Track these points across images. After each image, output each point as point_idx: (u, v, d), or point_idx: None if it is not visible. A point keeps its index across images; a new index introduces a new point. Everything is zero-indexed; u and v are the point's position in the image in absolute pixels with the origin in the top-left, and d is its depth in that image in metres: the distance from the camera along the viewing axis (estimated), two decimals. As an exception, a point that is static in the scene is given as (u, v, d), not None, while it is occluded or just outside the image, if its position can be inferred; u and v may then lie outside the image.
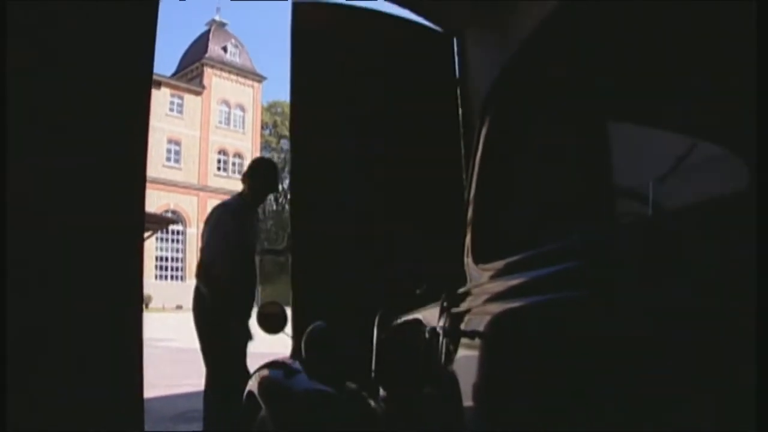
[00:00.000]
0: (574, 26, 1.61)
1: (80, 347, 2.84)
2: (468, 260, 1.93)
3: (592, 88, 1.73)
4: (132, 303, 3.07)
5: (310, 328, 3.39)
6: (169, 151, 48.48)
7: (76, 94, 2.84)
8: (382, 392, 3.11)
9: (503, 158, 1.83)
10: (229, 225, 4.67)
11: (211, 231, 4.68)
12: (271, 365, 3.22)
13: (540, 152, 1.84)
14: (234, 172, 53.95)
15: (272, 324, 3.23)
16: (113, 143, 2.93)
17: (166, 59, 74.87)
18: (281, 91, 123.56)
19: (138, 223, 3.17)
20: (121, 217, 2.97)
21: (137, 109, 3.10)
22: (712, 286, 1.08)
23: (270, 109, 66.26)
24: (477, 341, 1.81)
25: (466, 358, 1.89)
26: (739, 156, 1.74)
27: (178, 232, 49.01)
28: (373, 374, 3.30)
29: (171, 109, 48.85)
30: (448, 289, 2.06)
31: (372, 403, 2.94)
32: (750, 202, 1.00)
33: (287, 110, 66.87)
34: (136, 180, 3.08)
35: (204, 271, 4.56)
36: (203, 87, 52.01)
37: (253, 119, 56.72)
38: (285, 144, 68.65)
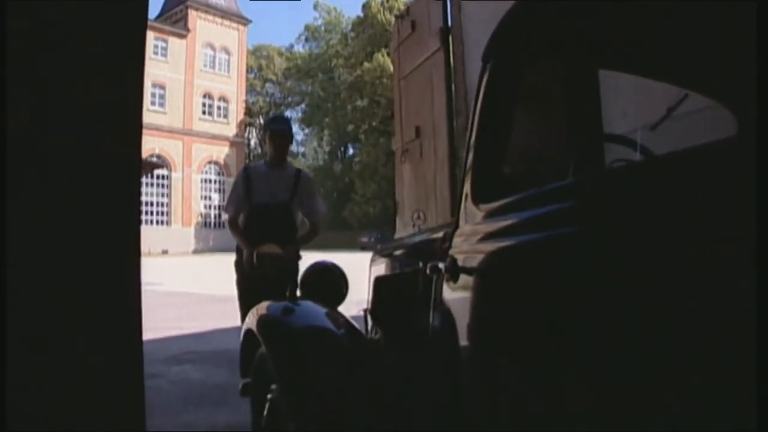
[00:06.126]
0: None
1: (78, 294, 2.87)
2: (467, 202, 2.00)
3: (589, 36, 1.78)
4: (129, 250, 3.10)
5: (308, 266, 3.47)
6: (153, 95, 47.87)
7: (69, 40, 2.84)
8: (378, 327, 3.20)
9: (503, 105, 1.88)
10: (238, 182, 5.09)
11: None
12: (270, 303, 3.28)
13: (538, 98, 1.90)
14: (219, 116, 53.55)
15: (269, 265, 3.30)
16: (109, 91, 2.93)
17: (149, 2, 73.37)
18: (266, 34, 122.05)
19: (135, 170, 3.18)
20: (117, 164, 2.99)
21: (133, 56, 3.09)
22: (702, 226, 1.14)
23: (255, 52, 65.39)
24: (475, 278, 1.88)
25: (464, 294, 1.97)
26: (727, 101, 1.81)
27: (163, 177, 48.73)
28: (369, 310, 3.40)
29: (155, 53, 48.06)
30: (448, 228, 2.13)
31: (368, 337, 3.02)
32: (736, 145, 1.07)
33: (272, 53, 66.39)
34: (132, 127, 3.09)
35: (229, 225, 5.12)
36: (188, 30, 51.11)
37: (238, 63, 56.02)
38: (270, 87, 67.96)
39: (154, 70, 46.57)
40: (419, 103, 7.03)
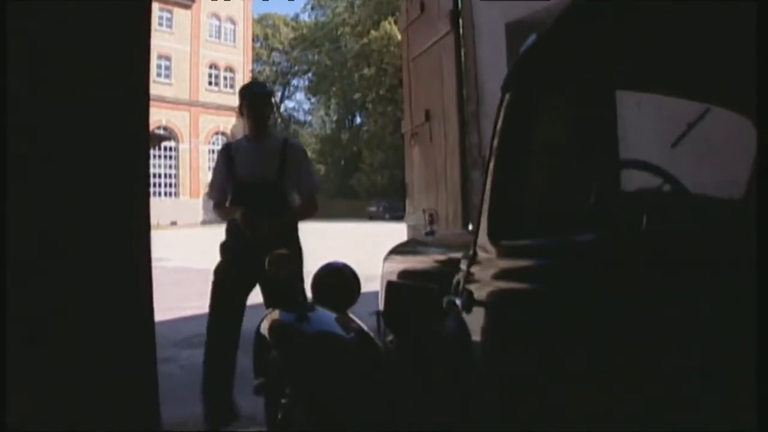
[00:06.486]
0: (590, 12, 1.62)
1: (87, 270, 2.79)
2: (484, 234, 1.97)
3: (607, 62, 1.75)
4: (139, 225, 3.04)
5: (319, 267, 3.45)
6: (159, 66, 47.68)
7: (74, 15, 2.76)
8: (389, 333, 3.20)
9: (522, 137, 1.85)
10: (219, 161, 4.63)
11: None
12: (281, 308, 3.28)
13: (557, 129, 1.87)
14: (226, 86, 53.40)
15: (282, 269, 3.28)
16: (115, 64, 2.87)
17: (153, -30, 72.94)
18: (272, 2, 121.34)
19: (143, 144, 3.13)
20: (125, 138, 2.92)
21: (137, 29, 3.02)
22: (727, 281, 1.13)
23: (261, 21, 65.04)
24: (490, 317, 1.89)
25: (477, 328, 1.99)
26: (749, 113, 1.77)
27: (170, 149, 48.76)
28: (381, 312, 3.39)
29: (160, 24, 47.79)
30: (466, 254, 2.10)
31: (379, 343, 3.01)
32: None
33: (278, 22, 66.09)
34: (140, 100, 3.03)
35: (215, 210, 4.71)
36: (192, 0, 50.88)
37: (243, 32, 55.78)
38: (276, 56, 67.72)
39: (159, 41, 46.32)
40: (429, 85, 6.95)
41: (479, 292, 1.95)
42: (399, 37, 10.08)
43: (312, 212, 4.62)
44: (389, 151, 51.34)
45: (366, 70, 57.85)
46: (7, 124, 2.46)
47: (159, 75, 47.62)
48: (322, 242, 23.59)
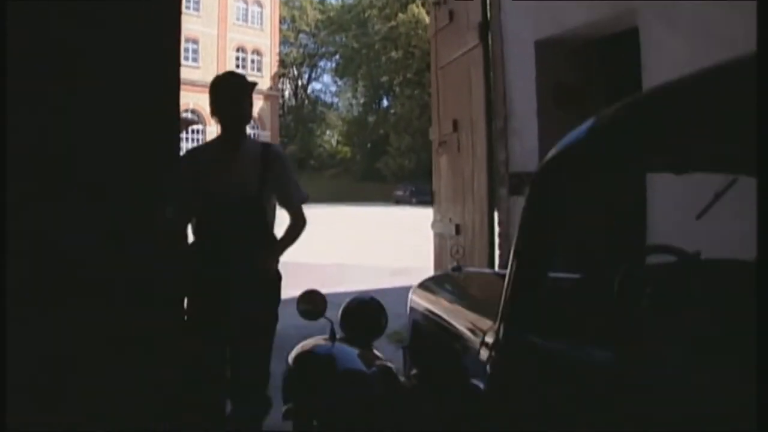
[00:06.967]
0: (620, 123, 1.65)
1: (116, 259, 2.77)
2: (506, 320, 2.01)
3: (640, 168, 1.78)
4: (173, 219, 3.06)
5: (348, 301, 3.54)
6: (186, 50, 47.74)
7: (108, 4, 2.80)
8: (413, 367, 3.29)
9: (548, 227, 1.88)
10: (183, 174, 3.48)
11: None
12: (311, 344, 3.36)
13: (583, 216, 1.90)
14: (253, 69, 53.48)
15: (312, 310, 3.35)
16: (146, 49, 2.90)
17: (181, -49, 72.90)
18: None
19: (174, 129, 3.15)
20: (156, 125, 2.94)
21: (169, 14, 3.05)
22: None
23: (288, 3, 64.86)
24: (506, 398, 1.98)
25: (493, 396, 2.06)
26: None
27: (197, 131, 48.98)
28: (407, 347, 3.47)
29: (187, 7, 47.82)
30: (492, 327, 2.14)
31: (401, 378, 3.11)
32: None
33: (305, 4, 65.89)
34: (170, 86, 3.05)
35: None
36: (220, -17, 50.97)
37: (271, 15, 55.83)
38: (303, 38, 67.61)
39: (186, 24, 46.15)
40: (457, 95, 6.93)
41: (500, 375, 2.02)
42: (427, 20, 10.14)
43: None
44: (416, 134, 51.15)
45: (393, 53, 57.64)
46: (40, 116, 2.51)
47: (186, 58, 47.72)
48: (351, 231, 23.48)
